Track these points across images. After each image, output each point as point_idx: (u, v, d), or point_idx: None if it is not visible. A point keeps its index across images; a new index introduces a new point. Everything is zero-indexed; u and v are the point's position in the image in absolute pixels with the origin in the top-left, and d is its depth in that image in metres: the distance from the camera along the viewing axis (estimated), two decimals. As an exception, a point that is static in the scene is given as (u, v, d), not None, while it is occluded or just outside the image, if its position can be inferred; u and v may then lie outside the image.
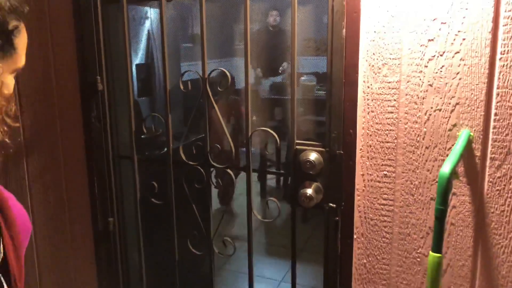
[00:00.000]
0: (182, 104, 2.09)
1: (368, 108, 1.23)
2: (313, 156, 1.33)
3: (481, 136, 1.13)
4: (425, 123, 1.18)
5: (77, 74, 1.62)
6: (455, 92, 1.13)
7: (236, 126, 1.50)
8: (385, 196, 1.27)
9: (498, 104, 1.09)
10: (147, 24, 2.50)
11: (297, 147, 1.35)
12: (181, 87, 1.46)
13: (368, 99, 1.23)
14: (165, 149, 1.56)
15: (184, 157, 1.53)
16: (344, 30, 1.19)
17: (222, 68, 1.40)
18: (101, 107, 1.61)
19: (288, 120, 1.36)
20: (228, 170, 1.48)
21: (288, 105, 1.35)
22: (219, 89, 1.41)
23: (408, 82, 1.17)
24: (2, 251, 0.72)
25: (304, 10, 1.37)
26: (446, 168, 1.03)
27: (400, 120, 1.21)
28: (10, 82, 0.80)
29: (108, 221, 1.72)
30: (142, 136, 1.67)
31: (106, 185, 1.69)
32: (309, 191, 1.34)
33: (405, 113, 1.20)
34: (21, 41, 0.79)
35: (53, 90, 1.69)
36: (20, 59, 0.80)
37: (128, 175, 1.68)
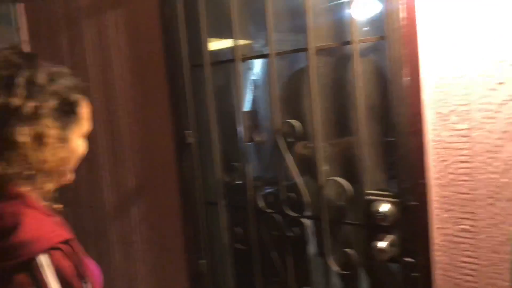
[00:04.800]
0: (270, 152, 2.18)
1: (439, 157, 1.16)
2: (385, 207, 1.27)
3: None
4: (504, 173, 1.06)
5: (171, 129, 1.81)
6: (536, 139, 1.00)
7: (309, 175, 1.52)
8: (467, 253, 1.16)
9: None
10: (251, 74, 2.70)
11: (369, 197, 1.32)
12: (257, 138, 1.54)
13: (438, 148, 1.15)
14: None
15: (262, 205, 1.59)
16: (405, 79, 1.15)
17: (291, 120, 1.45)
18: (191, 158, 1.77)
19: (358, 169, 1.33)
20: (303, 219, 1.49)
21: (358, 152, 1.33)
22: (289, 140, 1.46)
23: (480, 129, 1.08)
24: None
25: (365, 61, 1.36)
26: (522, 227, 0.92)
27: (476, 170, 1.11)
28: (81, 144, 0.99)
29: (200, 263, 1.84)
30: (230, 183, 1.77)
31: (197, 229, 1.82)
32: (382, 244, 1.28)
33: (481, 162, 1.09)
34: (84, 110, 0.97)
35: (154, 144, 1.91)
36: (85, 125, 0.98)
37: (217, 220, 1.79)
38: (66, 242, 0.86)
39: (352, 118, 1.34)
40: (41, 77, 0.89)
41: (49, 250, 0.82)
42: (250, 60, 1.81)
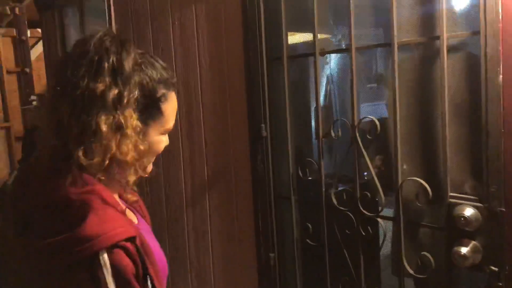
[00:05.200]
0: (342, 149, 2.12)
1: (535, 161, 1.07)
2: (468, 211, 1.21)
3: None
4: None
5: (247, 122, 1.84)
6: None
7: (387, 174, 1.47)
8: (562, 266, 1.07)
9: None
10: (327, 69, 2.65)
11: (451, 200, 1.25)
12: (332, 134, 1.52)
13: (534, 152, 1.07)
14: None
15: (335, 202, 1.57)
16: (500, 76, 1.08)
17: (371, 117, 1.41)
18: (265, 151, 1.78)
19: (440, 170, 1.27)
20: (379, 219, 1.45)
21: (440, 153, 1.27)
22: (368, 137, 1.42)
23: None
24: (150, 285, 0.84)
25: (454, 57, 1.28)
26: None
27: None
28: (161, 140, 0.93)
29: (270, 256, 1.85)
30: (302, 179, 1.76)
31: (268, 222, 1.84)
32: (464, 249, 1.22)
33: None
34: (169, 107, 0.91)
35: (229, 136, 1.95)
36: (167, 123, 0.91)
37: (288, 215, 1.80)
38: (130, 239, 0.81)
39: (437, 117, 1.28)
40: (127, 65, 0.83)
41: (111, 248, 0.78)
42: (327, 55, 1.79)
